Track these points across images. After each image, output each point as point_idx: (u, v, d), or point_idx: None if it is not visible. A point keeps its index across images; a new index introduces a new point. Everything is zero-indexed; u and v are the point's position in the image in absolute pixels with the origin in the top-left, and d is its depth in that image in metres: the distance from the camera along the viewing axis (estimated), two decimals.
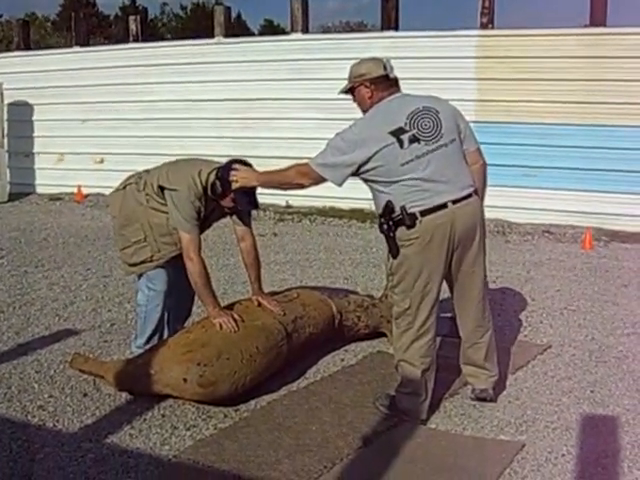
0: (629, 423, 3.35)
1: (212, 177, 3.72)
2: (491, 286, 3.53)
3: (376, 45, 9.08)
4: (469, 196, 3.26)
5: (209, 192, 3.74)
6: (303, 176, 3.34)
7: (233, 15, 11.73)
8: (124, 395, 3.60)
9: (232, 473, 2.88)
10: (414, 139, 3.18)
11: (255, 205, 3.81)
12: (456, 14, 42.46)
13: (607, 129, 8.18)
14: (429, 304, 3.27)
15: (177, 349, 3.49)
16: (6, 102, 11.09)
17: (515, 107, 8.56)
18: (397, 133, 3.18)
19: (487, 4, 8.78)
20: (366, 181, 3.31)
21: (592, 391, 3.74)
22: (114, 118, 10.80)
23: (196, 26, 27.03)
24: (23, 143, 11.49)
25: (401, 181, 3.17)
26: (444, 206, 3.18)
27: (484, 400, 3.53)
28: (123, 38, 11.42)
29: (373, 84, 3.34)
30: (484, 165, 3.46)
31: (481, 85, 8.73)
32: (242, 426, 3.30)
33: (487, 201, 3.52)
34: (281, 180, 3.53)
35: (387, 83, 3.36)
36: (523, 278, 6.15)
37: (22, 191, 11.26)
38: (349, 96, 3.48)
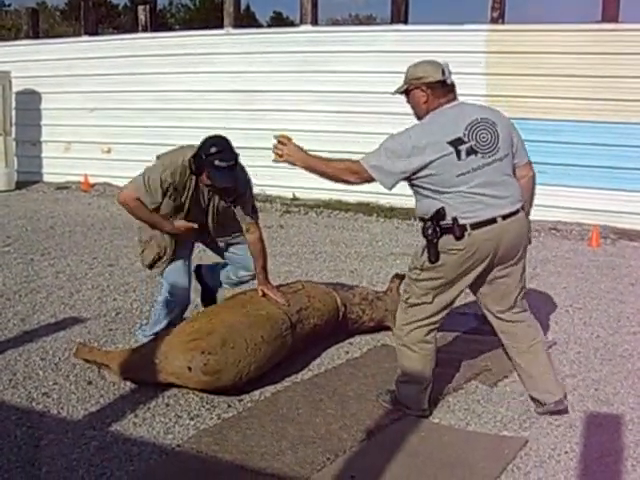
0: (633, 422, 3.35)
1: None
2: None
3: (385, 38, 9.04)
4: (517, 212, 3.20)
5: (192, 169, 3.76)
6: (353, 174, 3.22)
7: (242, 7, 11.68)
8: (128, 384, 3.61)
9: (235, 463, 2.88)
10: (472, 151, 3.11)
11: (234, 183, 3.77)
12: (466, 8, 42.30)
13: (617, 126, 8.12)
14: (445, 301, 3.28)
15: (182, 338, 3.50)
16: (14, 90, 11.09)
17: (524, 103, 8.49)
18: (456, 143, 3.10)
19: None
20: (414, 186, 3.21)
21: (596, 389, 3.73)
22: (122, 108, 10.80)
23: (205, 17, 26.97)
24: (31, 131, 11.49)
25: (454, 192, 3.11)
26: (494, 221, 3.13)
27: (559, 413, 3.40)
28: (132, 28, 11.42)
29: (430, 88, 3.22)
30: (534, 177, 3.40)
31: (491, 80, 8.68)
32: (245, 416, 3.31)
33: None
34: (329, 172, 3.30)
35: (444, 89, 3.24)
36: (529, 275, 6.04)
37: (29, 179, 11.28)
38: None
